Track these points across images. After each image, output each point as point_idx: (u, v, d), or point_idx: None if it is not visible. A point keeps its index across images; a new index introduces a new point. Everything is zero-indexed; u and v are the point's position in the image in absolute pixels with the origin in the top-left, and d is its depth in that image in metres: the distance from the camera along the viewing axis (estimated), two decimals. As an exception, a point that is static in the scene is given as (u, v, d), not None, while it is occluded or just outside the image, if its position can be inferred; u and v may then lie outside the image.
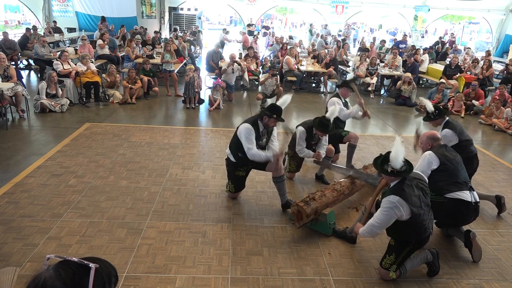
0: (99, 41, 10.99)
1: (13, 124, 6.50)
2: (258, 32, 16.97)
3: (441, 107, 4.37)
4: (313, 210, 3.62)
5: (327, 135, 4.61)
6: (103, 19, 14.75)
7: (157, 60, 10.06)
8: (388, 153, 2.90)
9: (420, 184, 2.99)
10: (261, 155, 3.83)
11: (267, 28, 21.98)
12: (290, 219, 3.90)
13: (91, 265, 0.98)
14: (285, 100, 4.07)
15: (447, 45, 15.92)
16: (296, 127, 4.70)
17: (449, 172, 3.49)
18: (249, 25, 17.15)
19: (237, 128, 3.99)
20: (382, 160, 2.93)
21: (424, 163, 3.56)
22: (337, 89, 5.55)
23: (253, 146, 3.82)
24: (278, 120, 3.87)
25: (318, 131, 4.44)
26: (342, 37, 15.94)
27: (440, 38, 17.75)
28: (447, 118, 4.33)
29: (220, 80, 8.82)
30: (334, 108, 4.46)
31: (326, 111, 5.16)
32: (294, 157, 4.82)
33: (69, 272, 0.97)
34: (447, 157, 3.55)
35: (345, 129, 5.43)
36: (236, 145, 3.97)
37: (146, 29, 14.72)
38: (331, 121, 4.40)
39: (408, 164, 2.89)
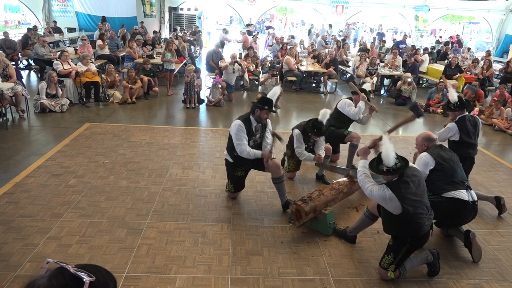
0: (99, 42, 10.99)
1: (13, 124, 6.50)
2: (258, 32, 16.96)
3: (463, 99, 4.34)
4: (312, 208, 3.62)
5: (323, 136, 4.67)
6: (104, 19, 14.75)
7: (157, 60, 10.06)
8: (380, 153, 2.93)
9: (419, 180, 3.00)
10: (250, 152, 3.83)
11: (272, 28, 21.96)
12: (290, 219, 3.90)
13: (85, 279, 0.94)
14: (274, 92, 4.12)
15: (454, 43, 15.89)
16: (292, 129, 4.74)
17: (445, 172, 3.50)
18: (248, 25, 17.13)
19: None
20: (376, 162, 2.96)
21: (421, 164, 3.57)
22: (337, 88, 5.56)
23: (242, 142, 3.83)
24: (270, 111, 3.89)
25: (311, 134, 4.49)
26: (342, 37, 15.93)
27: (450, 39, 17.73)
28: (466, 114, 4.30)
29: (219, 78, 8.83)
30: (325, 111, 4.50)
31: (337, 111, 5.19)
32: (293, 157, 4.83)
33: (61, 282, 0.94)
34: (443, 157, 3.56)
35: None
36: (231, 144, 3.98)
37: (144, 28, 14.74)
38: (324, 123, 4.46)
39: (402, 160, 2.91)
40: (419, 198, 2.92)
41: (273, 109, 3.97)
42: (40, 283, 0.93)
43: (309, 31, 18.26)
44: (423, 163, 3.55)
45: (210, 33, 22.09)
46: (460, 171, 3.59)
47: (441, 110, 8.71)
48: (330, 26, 17.50)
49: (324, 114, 4.47)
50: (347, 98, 5.35)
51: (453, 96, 4.29)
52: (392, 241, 3.07)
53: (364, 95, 5.16)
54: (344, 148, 5.59)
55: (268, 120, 4.10)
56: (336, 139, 5.24)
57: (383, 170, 2.90)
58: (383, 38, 15.94)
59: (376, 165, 2.96)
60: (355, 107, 5.15)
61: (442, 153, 3.60)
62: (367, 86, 5.46)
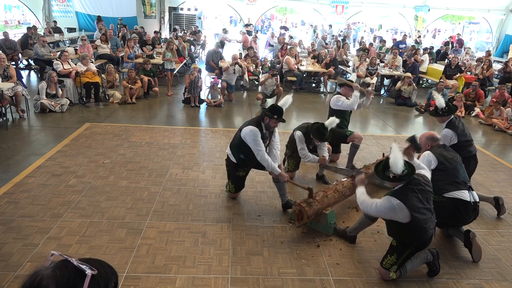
0: (98, 41, 11.01)
1: (13, 124, 6.49)
2: (258, 31, 16.95)
3: (450, 104, 4.36)
4: (315, 212, 3.63)
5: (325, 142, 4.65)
6: (99, 18, 14.77)
7: (157, 60, 10.06)
8: (387, 159, 2.91)
9: (424, 188, 2.98)
10: (270, 164, 3.81)
11: (286, 28, 21.92)
12: (291, 219, 3.90)
13: (88, 271, 0.96)
14: (286, 100, 4.05)
15: (455, 43, 15.87)
16: (294, 130, 4.72)
17: (447, 172, 3.50)
18: (246, 25, 17.13)
19: (240, 130, 3.94)
20: (383, 167, 2.93)
21: (424, 163, 3.57)
22: (338, 88, 5.55)
23: (263, 148, 3.80)
24: (279, 120, 3.84)
25: (314, 137, 4.45)
26: (342, 37, 15.93)
27: (450, 39, 17.69)
28: (452, 116, 4.34)
29: (217, 79, 8.83)
30: (334, 119, 4.42)
31: (331, 110, 5.17)
32: (292, 157, 4.83)
33: (65, 274, 0.96)
34: (446, 156, 3.56)
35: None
36: (238, 147, 3.95)
37: (142, 27, 14.76)
38: (329, 130, 4.38)
39: (409, 167, 2.88)
40: (425, 204, 2.91)
41: (283, 118, 3.90)
42: (44, 273, 0.95)
43: (314, 31, 18.22)
44: (426, 162, 3.56)
45: (216, 34, 21.99)
46: (463, 172, 3.59)
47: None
48: (330, 26, 17.48)
49: (332, 123, 4.38)
50: (335, 93, 5.31)
51: (440, 101, 4.30)
52: (396, 242, 3.07)
53: (357, 85, 5.13)
54: (345, 148, 5.60)
55: (275, 128, 4.07)
56: (338, 139, 5.23)
57: (389, 177, 2.87)
58: (383, 39, 15.95)
59: (382, 170, 2.92)
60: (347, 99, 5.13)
61: (445, 153, 3.60)
62: (353, 77, 5.43)
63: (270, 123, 3.84)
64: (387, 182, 3.03)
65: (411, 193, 2.86)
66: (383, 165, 2.93)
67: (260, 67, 10.45)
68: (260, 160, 3.82)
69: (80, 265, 0.98)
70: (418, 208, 2.85)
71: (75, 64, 8.20)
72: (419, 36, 16.89)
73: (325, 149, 4.68)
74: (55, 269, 0.97)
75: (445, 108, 4.29)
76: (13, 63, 9.83)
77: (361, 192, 3.18)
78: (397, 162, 2.82)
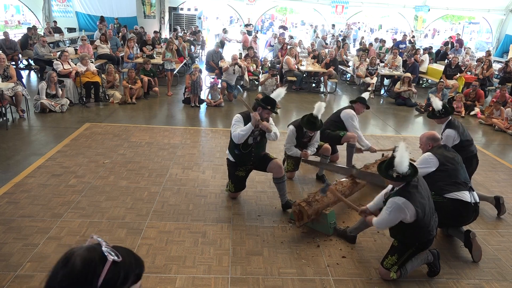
0: (97, 42, 11.03)
1: (13, 124, 6.49)
2: (258, 31, 16.93)
3: (447, 105, 4.38)
4: (315, 211, 3.62)
5: (318, 132, 4.72)
6: (102, 19, 14.77)
7: (157, 60, 10.07)
8: (392, 158, 2.89)
9: (424, 184, 2.99)
10: (242, 129, 3.79)
11: (284, 28, 21.94)
12: (291, 219, 3.90)
13: (109, 257, 1.00)
14: (279, 93, 4.10)
15: (455, 43, 15.86)
16: (288, 126, 4.77)
17: (448, 172, 3.49)
18: (246, 25, 17.13)
19: None
20: (386, 166, 2.91)
21: (424, 164, 3.57)
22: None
23: (236, 129, 3.83)
24: (272, 111, 3.90)
25: (306, 129, 4.51)
26: (342, 37, 15.92)
27: (450, 39, 17.67)
28: (450, 117, 4.35)
29: (217, 79, 8.84)
30: (320, 104, 4.49)
31: (339, 119, 5.19)
32: (291, 156, 4.84)
33: (92, 256, 1.01)
34: (447, 157, 3.56)
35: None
36: (232, 142, 4.00)
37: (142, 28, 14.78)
38: (319, 117, 4.47)
39: (412, 168, 2.88)
40: (427, 201, 2.92)
41: (275, 110, 3.98)
42: (78, 252, 1.02)
43: (314, 31, 18.23)
44: (426, 162, 3.55)
45: (217, 35, 21.93)
46: (463, 172, 3.59)
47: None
48: (333, 26, 17.47)
49: (319, 108, 4.46)
50: (350, 107, 5.31)
51: (437, 104, 4.32)
52: (397, 242, 3.07)
53: (374, 148, 5.36)
54: (342, 148, 5.59)
55: (271, 119, 4.10)
56: (332, 141, 5.21)
57: (393, 176, 2.86)
58: (383, 39, 15.94)
59: (385, 169, 2.90)
60: (358, 116, 5.26)
61: (446, 153, 3.59)
62: (366, 95, 5.44)
63: (263, 113, 3.89)
64: (389, 181, 3.02)
65: (414, 189, 2.86)
66: (387, 164, 2.93)
67: (260, 67, 10.44)
68: (234, 138, 3.84)
69: (107, 250, 1.02)
70: (421, 204, 2.84)
71: (75, 64, 8.20)
72: (413, 36, 16.90)
73: (314, 145, 4.75)
74: (86, 249, 1.03)
75: (441, 110, 4.30)
76: (13, 63, 9.82)
77: (371, 220, 3.15)
78: (403, 162, 2.81)
